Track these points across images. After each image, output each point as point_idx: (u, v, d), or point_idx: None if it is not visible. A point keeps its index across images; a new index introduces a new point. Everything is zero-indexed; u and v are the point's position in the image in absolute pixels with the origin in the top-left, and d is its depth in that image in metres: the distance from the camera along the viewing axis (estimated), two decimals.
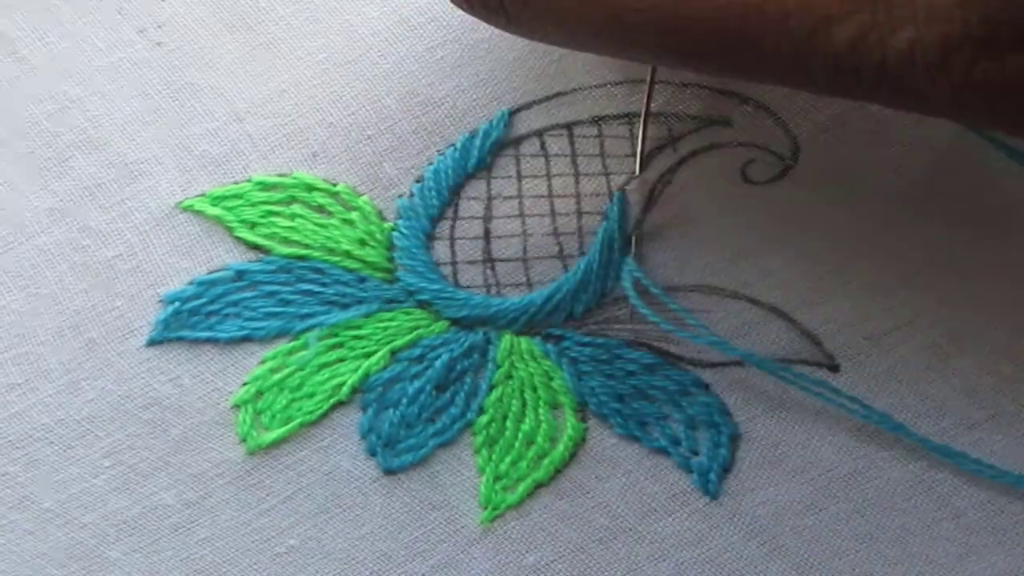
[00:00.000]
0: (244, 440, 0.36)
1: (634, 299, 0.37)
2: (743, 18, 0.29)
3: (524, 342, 0.37)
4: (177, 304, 0.37)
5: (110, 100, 0.38)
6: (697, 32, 0.30)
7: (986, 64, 0.27)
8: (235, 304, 0.37)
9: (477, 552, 0.36)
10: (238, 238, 0.37)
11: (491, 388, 0.37)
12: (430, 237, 0.38)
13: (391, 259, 0.37)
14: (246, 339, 0.37)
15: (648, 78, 0.38)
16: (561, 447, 0.37)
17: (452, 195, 0.38)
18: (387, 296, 0.37)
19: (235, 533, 0.36)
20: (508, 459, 0.37)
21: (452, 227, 0.38)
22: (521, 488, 0.36)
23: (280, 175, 0.38)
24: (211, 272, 0.37)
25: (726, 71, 0.31)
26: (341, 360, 0.37)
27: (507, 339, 0.37)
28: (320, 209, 0.38)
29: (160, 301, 0.37)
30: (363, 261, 0.37)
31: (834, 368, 0.37)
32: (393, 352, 0.37)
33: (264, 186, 0.38)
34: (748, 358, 0.36)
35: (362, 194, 0.38)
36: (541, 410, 0.37)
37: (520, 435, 0.37)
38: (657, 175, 0.38)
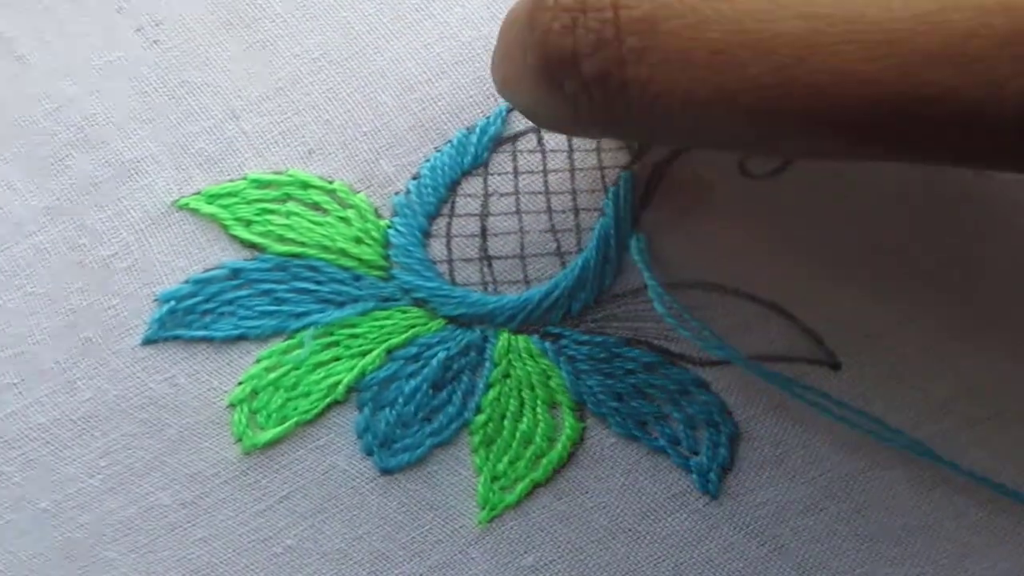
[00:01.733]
0: (240, 439, 0.36)
1: (648, 276, 0.36)
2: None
3: (521, 340, 0.37)
4: (172, 303, 0.37)
5: (107, 98, 0.38)
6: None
7: None
8: (230, 303, 0.37)
9: (475, 552, 0.36)
10: (233, 236, 0.37)
11: (488, 387, 0.37)
12: (426, 235, 0.37)
13: (387, 257, 0.37)
14: (241, 338, 0.37)
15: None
16: (559, 447, 0.36)
17: (449, 192, 0.38)
18: (383, 294, 0.37)
19: (232, 533, 0.36)
20: (506, 459, 0.36)
21: (448, 224, 0.37)
22: (519, 488, 0.36)
23: (276, 173, 0.38)
24: (207, 270, 0.37)
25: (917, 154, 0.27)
26: (337, 359, 0.37)
27: (504, 337, 0.37)
28: (316, 207, 0.37)
29: (155, 300, 0.37)
30: (359, 259, 0.37)
31: (835, 366, 0.37)
32: (389, 351, 0.37)
33: (260, 184, 0.38)
34: (758, 371, 0.36)
35: (358, 191, 0.38)
36: (539, 409, 0.37)
37: (518, 434, 0.36)
38: (652, 168, 0.37)
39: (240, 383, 0.36)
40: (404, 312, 0.37)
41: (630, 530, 0.36)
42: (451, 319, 0.37)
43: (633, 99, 0.28)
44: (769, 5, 0.26)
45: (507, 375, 0.37)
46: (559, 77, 0.29)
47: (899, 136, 0.26)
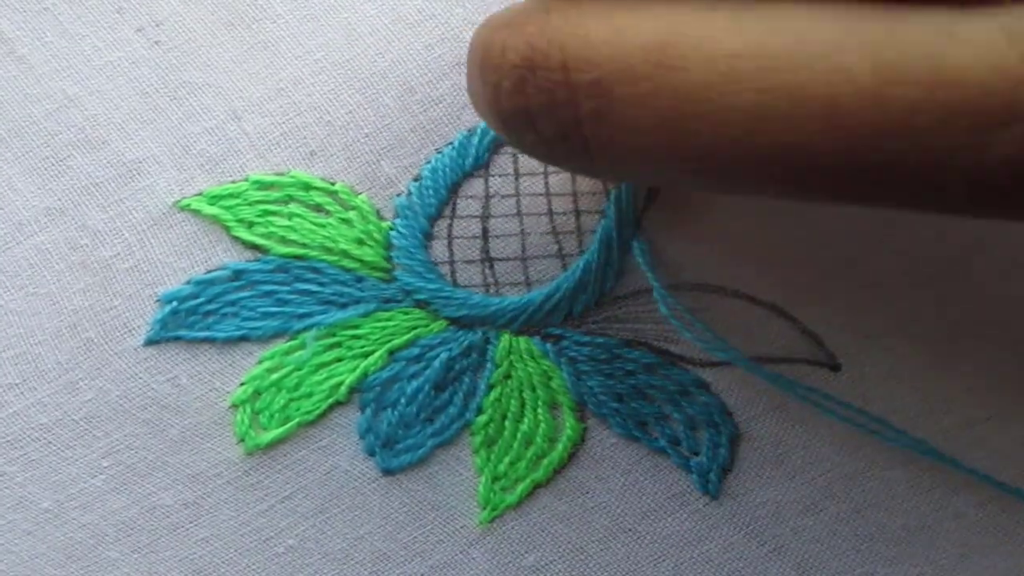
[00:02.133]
0: (242, 440, 0.36)
1: (652, 278, 0.36)
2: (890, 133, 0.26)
3: (523, 341, 0.37)
4: (174, 304, 0.37)
5: (108, 99, 0.38)
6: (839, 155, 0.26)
7: None
8: (232, 304, 0.37)
9: (476, 553, 0.36)
10: (235, 237, 0.37)
11: (490, 388, 0.37)
12: (428, 236, 0.37)
13: (389, 258, 0.37)
14: (243, 339, 0.37)
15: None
16: (560, 447, 0.36)
17: (450, 194, 0.38)
18: (385, 295, 0.37)
19: (234, 533, 0.36)
20: (507, 459, 0.36)
21: (450, 226, 0.37)
22: (520, 488, 0.36)
23: (278, 174, 0.38)
24: (209, 272, 0.37)
25: (853, 199, 0.28)
26: (339, 360, 0.37)
27: (506, 338, 0.37)
28: (318, 208, 0.37)
29: (157, 301, 0.37)
30: (361, 260, 0.37)
31: (835, 367, 0.37)
32: (391, 352, 0.37)
33: (261, 185, 0.38)
34: (762, 373, 0.36)
35: (360, 193, 0.38)
36: (540, 410, 0.37)
37: (519, 435, 0.37)
38: None
39: (242, 384, 0.37)
40: (406, 313, 0.37)
41: (630, 530, 0.36)
42: (453, 320, 0.37)
43: (593, 154, 0.29)
44: (722, 78, 0.26)
45: (508, 376, 0.37)
46: (517, 132, 0.29)
47: (853, 197, 0.27)
